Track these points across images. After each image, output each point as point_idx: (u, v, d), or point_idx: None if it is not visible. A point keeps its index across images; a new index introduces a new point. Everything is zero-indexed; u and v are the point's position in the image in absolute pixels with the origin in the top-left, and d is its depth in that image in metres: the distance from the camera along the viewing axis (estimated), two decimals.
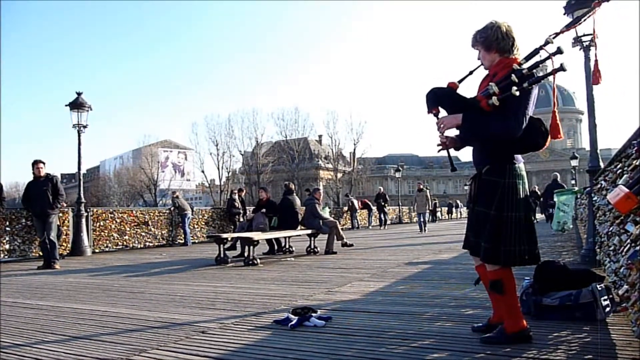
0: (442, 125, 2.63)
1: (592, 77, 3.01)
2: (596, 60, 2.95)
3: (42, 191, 7.86)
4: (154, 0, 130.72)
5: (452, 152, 2.83)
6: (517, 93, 2.40)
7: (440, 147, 2.73)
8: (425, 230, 15.34)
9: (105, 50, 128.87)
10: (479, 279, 2.92)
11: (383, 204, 20.71)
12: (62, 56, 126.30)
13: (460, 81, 2.69)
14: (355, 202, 21.60)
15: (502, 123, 2.46)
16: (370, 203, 22.40)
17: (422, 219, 15.82)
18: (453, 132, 2.71)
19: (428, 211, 16.02)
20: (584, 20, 2.85)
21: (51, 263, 7.76)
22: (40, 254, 9.30)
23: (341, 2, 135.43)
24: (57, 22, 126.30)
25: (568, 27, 2.74)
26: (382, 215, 20.85)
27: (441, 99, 2.64)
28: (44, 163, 8.01)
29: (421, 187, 16.24)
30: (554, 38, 2.50)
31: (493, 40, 2.59)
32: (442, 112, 2.65)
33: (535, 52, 2.53)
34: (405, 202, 42.78)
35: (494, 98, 2.45)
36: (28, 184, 8.30)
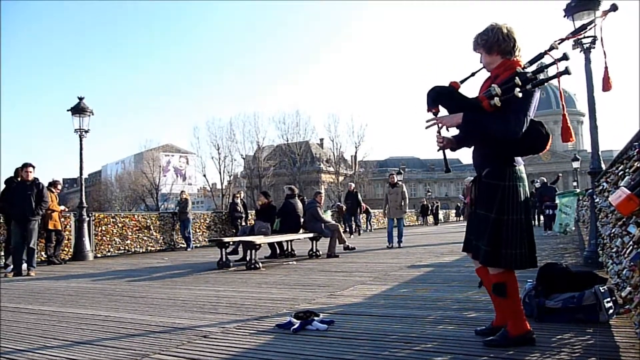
0: (441, 124, 2.63)
1: (603, 83, 2.99)
2: (606, 67, 2.94)
3: (26, 195, 7.50)
4: (156, 2, 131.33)
5: (452, 154, 2.83)
6: (520, 95, 2.41)
7: (439, 147, 2.72)
8: (395, 243, 10.45)
9: (106, 54, 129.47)
10: (482, 281, 2.91)
11: (351, 204, 16.42)
12: (63, 60, 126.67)
13: (462, 81, 2.69)
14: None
15: (503, 123, 2.46)
16: (369, 207, 22.27)
17: (393, 226, 10.55)
18: (451, 132, 2.71)
19: (404, 216, 10.88)
20: (590, 28, 2.85)
21: (28, 270, 7.48)
22: (43, 258, 9.35)
23: (342, 4, 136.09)
24: (60, 26, 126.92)
25: (574, 34, 2.75)
26: (351, 220, 16.50)
27: (442, 97, 2.64)
28: (33, 167, 7.68)
29: (395, 180, 10.86)
30: (559, 44, 2.50)
31: (494, 42, 2.60)
32: (442, 111, 2.65)
33: (540, 56, 2.53)
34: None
35: (496, 99, 2.45)
36: (12, 185, 7.92)
